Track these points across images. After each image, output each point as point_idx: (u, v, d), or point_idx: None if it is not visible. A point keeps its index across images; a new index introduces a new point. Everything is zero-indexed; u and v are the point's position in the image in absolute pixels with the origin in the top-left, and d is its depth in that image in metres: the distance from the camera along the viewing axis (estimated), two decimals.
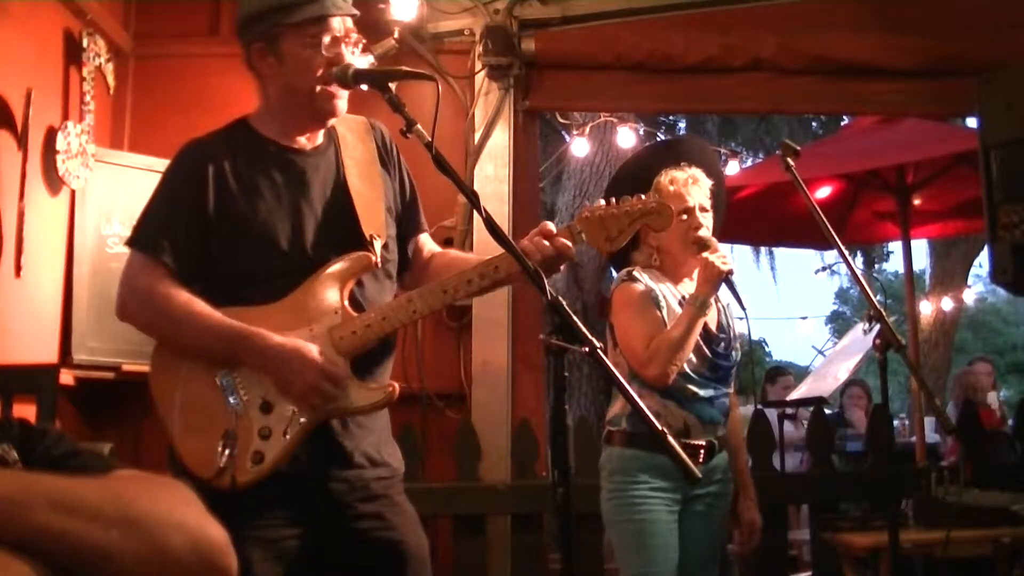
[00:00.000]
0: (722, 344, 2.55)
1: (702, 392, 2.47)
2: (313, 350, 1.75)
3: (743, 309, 2.54)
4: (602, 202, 1.89)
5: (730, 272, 2.43)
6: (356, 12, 1.88)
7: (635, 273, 2.51)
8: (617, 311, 2.51)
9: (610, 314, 2.54)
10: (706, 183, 2.56)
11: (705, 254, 2.44)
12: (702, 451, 2.44)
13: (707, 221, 2.52)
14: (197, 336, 1.77)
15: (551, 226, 1.85)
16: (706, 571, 2.53)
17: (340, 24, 1.83)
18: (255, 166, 1.86)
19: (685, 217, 2.47)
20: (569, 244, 1.83)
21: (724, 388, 2.56)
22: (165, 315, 1.79)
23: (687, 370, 2.44)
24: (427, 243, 2.09)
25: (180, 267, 1.80)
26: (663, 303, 2.48)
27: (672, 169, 2.56)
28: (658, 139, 6.93)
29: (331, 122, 1.93)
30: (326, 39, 1.81)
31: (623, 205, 1.88)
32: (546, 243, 1.80)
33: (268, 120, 1.91)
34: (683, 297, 2.51)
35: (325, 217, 1.87)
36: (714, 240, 2.48)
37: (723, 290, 2.55)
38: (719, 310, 2.60)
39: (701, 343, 2.47)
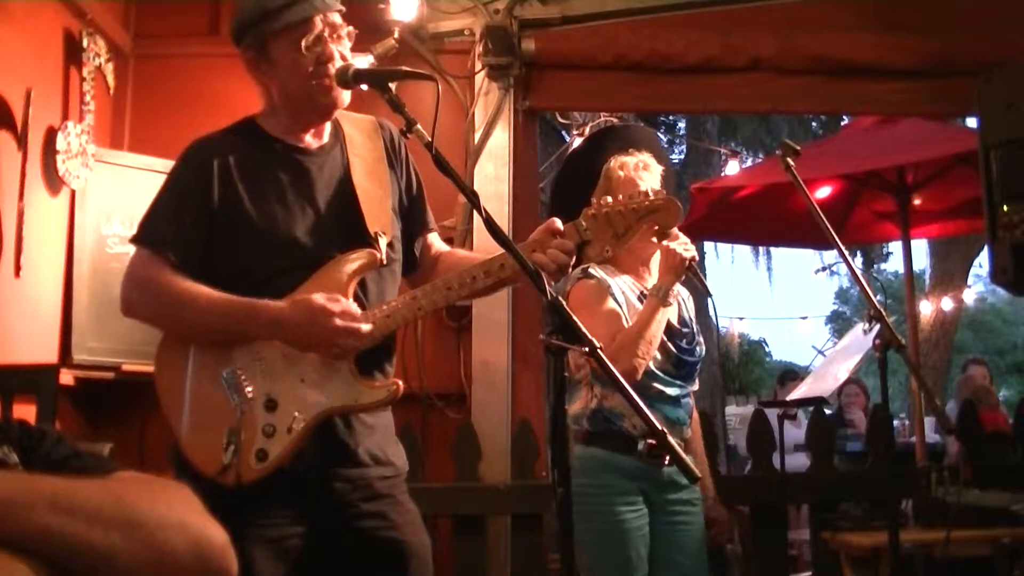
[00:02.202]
0: (685, 339, 2.49)
1: (669, 391, 2.42)
2: (316, 297, 1.74)
3: (708, 295, 2.47)
4: (609, 199, 1.87)
5: (693, 259, 2.36)
6: (341, 7, 1.88)
7: (590, 270, 2.45)
8: (575, 310, 2.42)
9: None
10: (657, 169, 2.50)
11: (665, 242, 2.34)
12: (665, 453, 2.40)
13: None
14: (204, 316, 1.76)
15: (559, 223, 1.84)
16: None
17: (322, 23, 1.83)
18: (261, 164, 1.86)
19: None
20: (572, 245, 1.82)
21: (689, 386, 2.50)
22: (170, 299, 1.78)
23: (652, 368, 2.38)
24: (435, 242, 2.08)
25: (186, 263, 1.80)
26: (621, 298, 2.42)
27: (621, 155, 2.51)
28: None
29: (336, 115, 1.94)
30: (309, 39, 1.81)
31: (630, 202, 1.86)
32: (562, 255, 1.79)
33: (274, 119, 1.92)
34: (642, 292, 2.45)
35: (330, 214, 1.87)
36: (674, 228, 2.35)
37: (687, 284, 2.50)
38: (680, 303, 2.54)
39: (664, 338, 2.40)
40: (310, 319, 1.72)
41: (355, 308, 1.77)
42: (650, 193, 1.88)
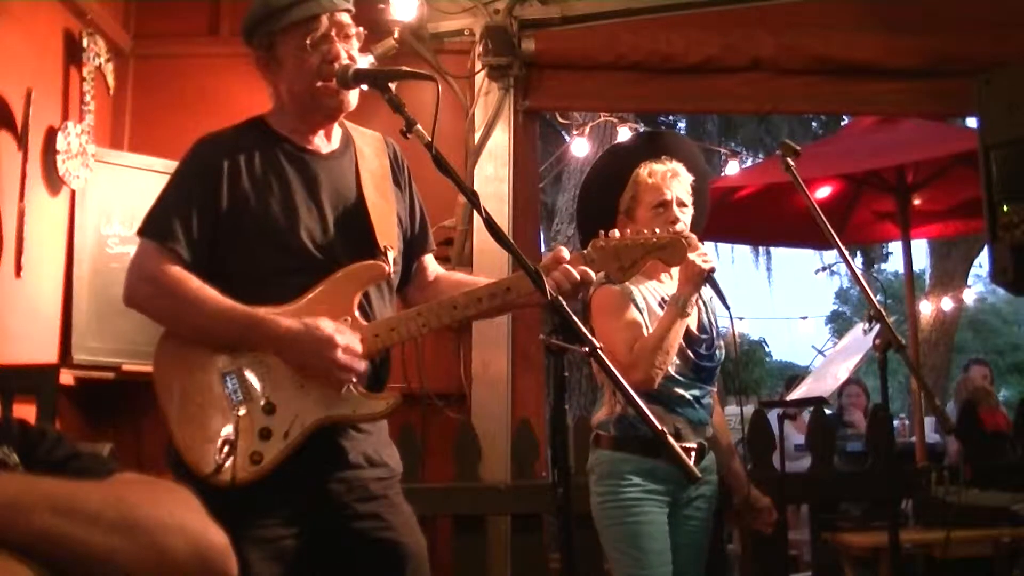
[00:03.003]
0: (704, 345, 2.51)
1: (687, 394, 2.46)
2: (325, 326, 1.75)
3: (727, 308, 2.50)
4: (617, 233, 1.90)
5: (712, 270, 2.38)
6: (349, 7, 1.88)
7: None
8: (596, 315, 2.48)
9: (590, 318, 2.49)
10: (686, 178, 2.52)
11: None
12: (693, 453, 2.43)
13: (685, 216, 2.46)
14: (208, 320, 1.77)
15: (565, 252, 1.86)
16: (695, 574, 2.53)
17: (329, 21, 1.83)
18: (269, 164, 1.87)
19: (661, 210, 2.44)
20: (591, 272, 1.85)
21: (709, 387, 2.54)
22: (176, 298, 1.78)
23: (671, 372, 2.41)
24: (431, 263, 2.10)
25: (192, 258, 1.81)
26: (642, 304, 2.45)
27: (652, 162, 2.53)
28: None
29: (347, 127, 1.95)
30: (315, 37, 1.82)
31: (638, 237, 1.90)
32: (576, 275, 1.81)
33: (282, 119, 1.92)
34: (663, 298, 2.47)
35: (338, 222, 1.87)
36: (694, 237, 2.41)
37: (706, 288, 2.52)
38: (700, 308, 2.56)
39: (683, 345, 2.44)
40: (315, 346, 1.73)
41: (358, 346, 1.77)
42: (658, 230, 1.93)
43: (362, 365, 1.77)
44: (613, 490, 2.42)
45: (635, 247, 1.88)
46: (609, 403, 2.50)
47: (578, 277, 1.81)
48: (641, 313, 2.44)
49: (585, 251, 1.89)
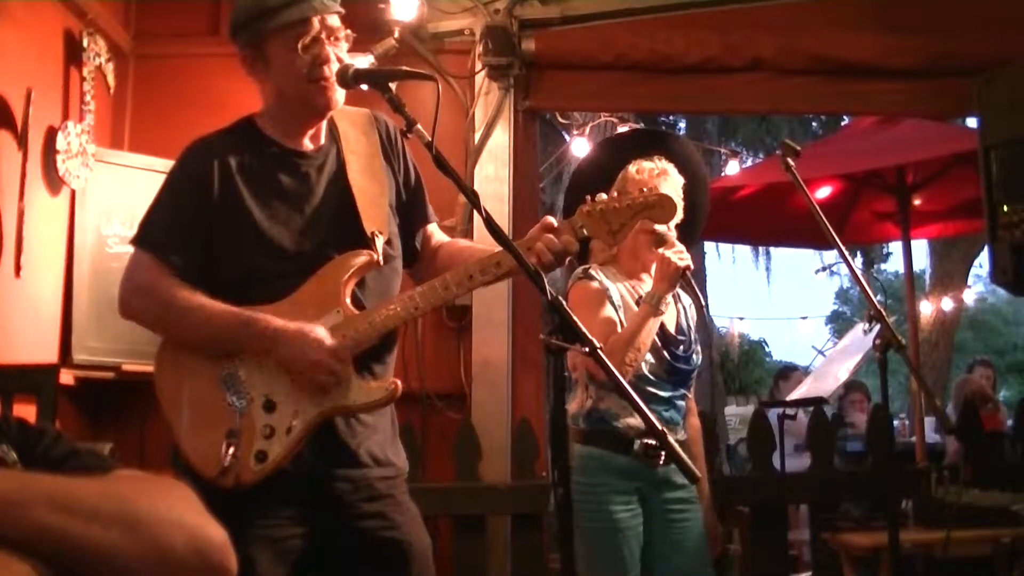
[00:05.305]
0: (681, 346, 2.51)
1: (661, 392, 2.45)
2: (315, 330, 1.75)
3: (703, 305, 2.49)
4: (603, 196, 1.87)
5: (687, 268, 2.38)
6: (340, 9, 1.88)
7: (591, 271, 2.48)
8: (572, 309, 2.46)
9: None
10: (676, 180, 2.50)
11: (662, 250, 2.39)
12: (662, 453, 2.41)
13: None
14: (201, 325, 1.77)
15: (552, 220, 1.84)
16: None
17: (320, 24, 1.83)
18: (260, 168, 1.86)
19: None
20: (574, 240, 1.82)
21: (682, 390, 2.53)
22: (168, 307, 1.79)
23: (644, 371, 2.41)
24: (435, 233, 2.08)
25: (186, 267, 1.81)
26: (619, 302, 2.45)
27: (643, 159, 2.52)
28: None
29: (330, 114, 1.93)
30: (306, 39, 1.81)
31: (624, 199, 1.86)
32: (555, 241, 1.79)
33: (271, 121, 1.92)
34: (640, 297, 2.47)
35: (327, 217, 1.87)
36: (671, 236, 2.42)
37: (686, 297, 2.52)
38: (679, 311, 2.56)
39: (659, 344, 2.43)
40: (302, 347, 1.73)
41: (345, 353, 1.76)
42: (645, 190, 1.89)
43: (345, 371, 1.77)
44: (579, 487, 2.36)
45: (623, 209, 1.84)
46: (580, 397, 2.48)
47: (560, 246, 1.79)
48: (617, 311, 2.43)
49: (572, 218, 1.84)
